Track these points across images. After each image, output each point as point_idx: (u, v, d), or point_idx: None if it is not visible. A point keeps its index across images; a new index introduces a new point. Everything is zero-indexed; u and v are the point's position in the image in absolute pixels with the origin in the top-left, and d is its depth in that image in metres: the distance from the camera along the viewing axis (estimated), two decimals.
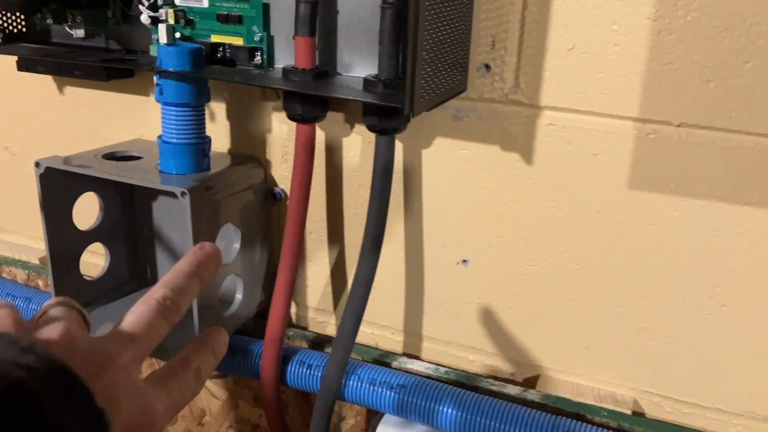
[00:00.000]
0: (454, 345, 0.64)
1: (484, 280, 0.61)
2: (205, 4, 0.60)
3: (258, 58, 0.59)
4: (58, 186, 0.62)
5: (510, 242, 0.59)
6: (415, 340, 0.66)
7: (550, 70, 0.53)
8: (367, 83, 0.53)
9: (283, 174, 0.66)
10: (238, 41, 0.59)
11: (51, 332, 0.26)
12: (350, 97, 0.50)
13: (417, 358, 0.66)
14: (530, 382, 0.62)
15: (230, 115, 0.66)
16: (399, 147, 0.60)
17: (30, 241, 0.83)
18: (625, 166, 0.53)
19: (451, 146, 0.58)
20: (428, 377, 0.62)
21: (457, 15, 0.51)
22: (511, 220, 0.58)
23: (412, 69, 0.45)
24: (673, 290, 0.55)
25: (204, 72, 0.57)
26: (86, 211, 0.65)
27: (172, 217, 0.70)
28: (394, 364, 0.64)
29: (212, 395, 0.74)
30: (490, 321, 0.62)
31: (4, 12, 0.67)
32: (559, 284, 0.58)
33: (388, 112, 0.53)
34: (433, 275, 0.63)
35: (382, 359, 0.65)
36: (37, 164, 0.60)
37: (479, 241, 0.60)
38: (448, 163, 0.59)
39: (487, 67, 0.55)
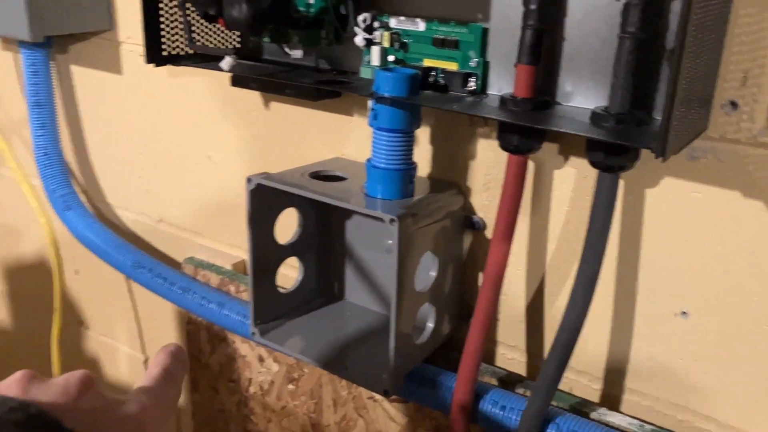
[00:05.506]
0: (662, 401, 0.59)
1: (705, 336, 0.55)
2: (422, 27, 0.59)
3: (472, 84, 0.57)
4: (265, 201, 0.63)
5: (741, 298, 0.53)
6: (616, 391, 0.61)
7: None
8: (596, 117, 0.50)
9: (482, 203, 0.63)
10: (453, 66, 0.58)
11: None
12: (585, 134, 0.47)
13: (617, 410, 0.61)
14: None
15: (434, 140, 0.65)
16: (620, 184, 0.55)
17: (224, 246, 0.87)
18: None
19: (682, 188, 0.53)
20: None
21: (710, 48, 0.46)
22: (746, 275, 0.52)
23: (669, 108, 0.41)
24: None
25: (421, 99, 0.56)
26: (282, 224, 0.66)
27: (365, 237, 0.70)
28: (593, 414, 0.60)
29: (391, 419, 0.73)
30: (706, 381, 0.56)
31: (224, 31, 0.69)
32: None
33: (617, 148, 0.49)
34: (645, 324, 0.58)
35: (578, 407, 0.60)
36: (248, 180, 0.62)
37: (704, 293, 0.54)
38: (677, 206, 0.54)
39: (734, 104, 0.50)
